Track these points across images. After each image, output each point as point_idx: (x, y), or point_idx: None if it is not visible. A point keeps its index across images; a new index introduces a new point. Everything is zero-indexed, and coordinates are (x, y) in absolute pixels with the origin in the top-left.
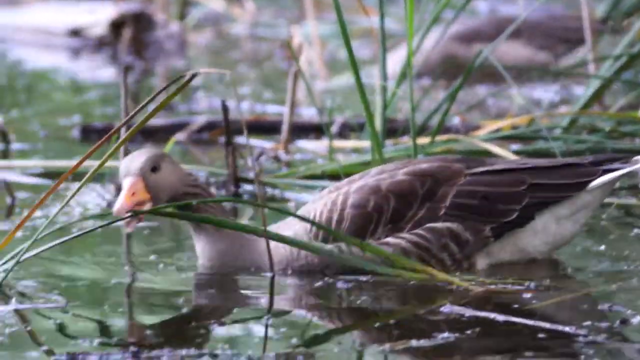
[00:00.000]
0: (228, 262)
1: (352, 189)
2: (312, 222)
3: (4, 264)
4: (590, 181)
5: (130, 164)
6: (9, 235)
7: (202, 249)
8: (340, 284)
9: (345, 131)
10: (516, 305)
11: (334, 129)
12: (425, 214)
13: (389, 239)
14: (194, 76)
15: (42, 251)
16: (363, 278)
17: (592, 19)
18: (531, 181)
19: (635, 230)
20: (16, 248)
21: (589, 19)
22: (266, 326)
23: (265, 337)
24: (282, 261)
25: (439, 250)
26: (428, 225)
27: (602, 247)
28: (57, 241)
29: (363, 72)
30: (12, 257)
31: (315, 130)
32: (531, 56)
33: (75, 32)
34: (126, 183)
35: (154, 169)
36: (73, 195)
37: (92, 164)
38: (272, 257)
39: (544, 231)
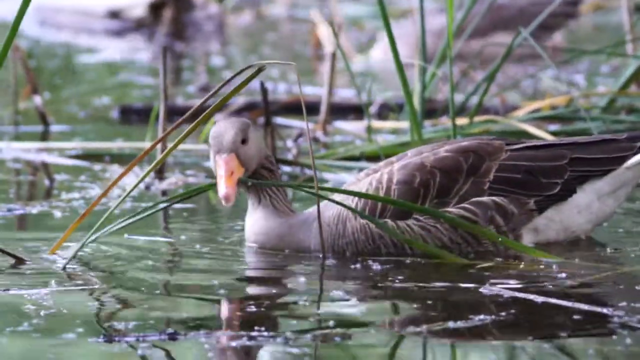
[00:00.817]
0: (275, 238)
1: (395, 168)
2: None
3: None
4: (629, 155)
5: (222, 139)
6: (74, 223)
7: (253, 222)
8: (376, 265)
9: (384, 112)
10: (552, 285)
11: (373, 109)
12: (470, 188)
13: None
14: (260, 70)
15: (104, 232)
16: (406, 260)
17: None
18: (571, 155)
19: None
20: (58, 229)
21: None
22: (302, 307)
23: (303, 318)
24: (327, 239)
25: (486, 224)
26: (474, 199)
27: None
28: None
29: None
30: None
31: (354, 111)
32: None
33: (114, 14)
34: (221, 161)
35: (244, 140)
36: (141, 180)
37: (131, 146)
38: (324, 241)
39: (588, 209)
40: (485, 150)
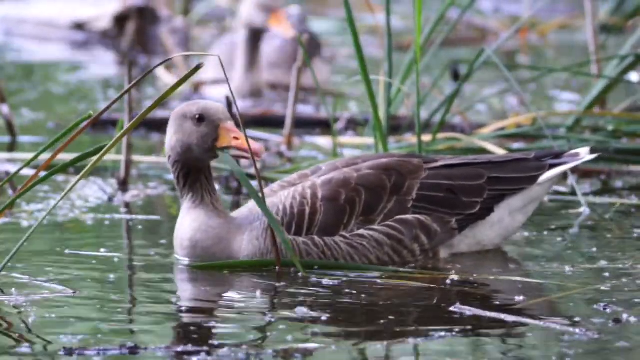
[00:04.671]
0: (212, 238)
1: (317, 182)
2: None
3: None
4: (540, 175)
5: (220, 109)
6: None
7: (192, 220)
8: (329, 281)
9: (350, 127)
10: (511, 304)
11: (340, 124)
12: (394, 206)
13: (362, 231)
14: (198, 67)
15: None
16: (357, 274)
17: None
18: (488, 175)
19: (635, 230)
20: (21, 239)
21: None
22: (263, 323)
23: (263, 333)
24: (256, 253)
25: (411, 242)
26: (399, 217)
27: (601, 247)
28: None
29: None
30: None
31: (320, 126)
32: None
33: (79, 26)
34: (232, 126)
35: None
36: (71, 188)
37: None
38: (279, 251)
39: (499, 223)
40: (406, 169)
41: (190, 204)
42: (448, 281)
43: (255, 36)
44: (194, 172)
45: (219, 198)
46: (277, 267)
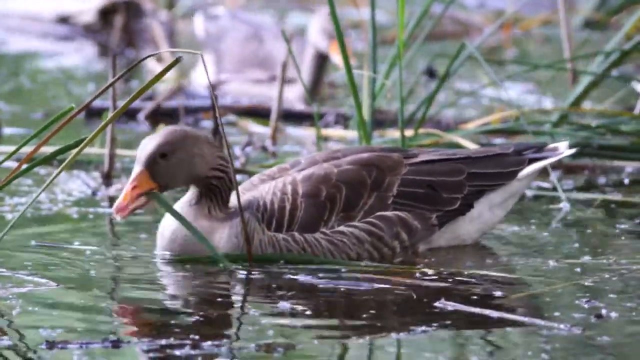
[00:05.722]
0: (189, 236)
1: (297, 178)
2: None
3: None
4: (521, 169)
5: (141, 152)
6: None
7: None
8: (309, 276)
9: (340, 120)
10: (493, 300)
11: (329, 118)
12: (375, 202)
13: (343, 228)
14: (177, 60)
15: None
16: (340, 269)
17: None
18: (468, 170)
19: (618, 226)
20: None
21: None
22: (245, 317)
23: (245, 327)
24: (236, 250)
25: (391, 239)
26: (380, 214)
27: (583, 242)
28: None
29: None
30: None
31: (310, 119)
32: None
33: (64, 19)
34: (133, 173)
35: (164, 155)
36: (52, 180)
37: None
38: (250, 245)
39: (479, 218)
40: (386, 164)
41: (187, 199)
42: (425, 276)
43: (321, 57)
44: None
45: (221, 202)
46: (249, 263)
